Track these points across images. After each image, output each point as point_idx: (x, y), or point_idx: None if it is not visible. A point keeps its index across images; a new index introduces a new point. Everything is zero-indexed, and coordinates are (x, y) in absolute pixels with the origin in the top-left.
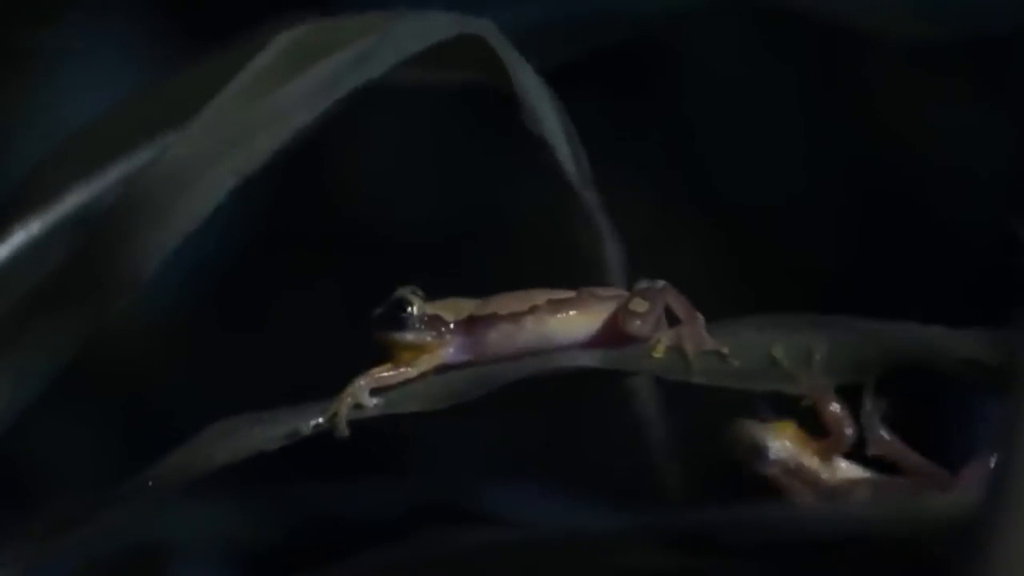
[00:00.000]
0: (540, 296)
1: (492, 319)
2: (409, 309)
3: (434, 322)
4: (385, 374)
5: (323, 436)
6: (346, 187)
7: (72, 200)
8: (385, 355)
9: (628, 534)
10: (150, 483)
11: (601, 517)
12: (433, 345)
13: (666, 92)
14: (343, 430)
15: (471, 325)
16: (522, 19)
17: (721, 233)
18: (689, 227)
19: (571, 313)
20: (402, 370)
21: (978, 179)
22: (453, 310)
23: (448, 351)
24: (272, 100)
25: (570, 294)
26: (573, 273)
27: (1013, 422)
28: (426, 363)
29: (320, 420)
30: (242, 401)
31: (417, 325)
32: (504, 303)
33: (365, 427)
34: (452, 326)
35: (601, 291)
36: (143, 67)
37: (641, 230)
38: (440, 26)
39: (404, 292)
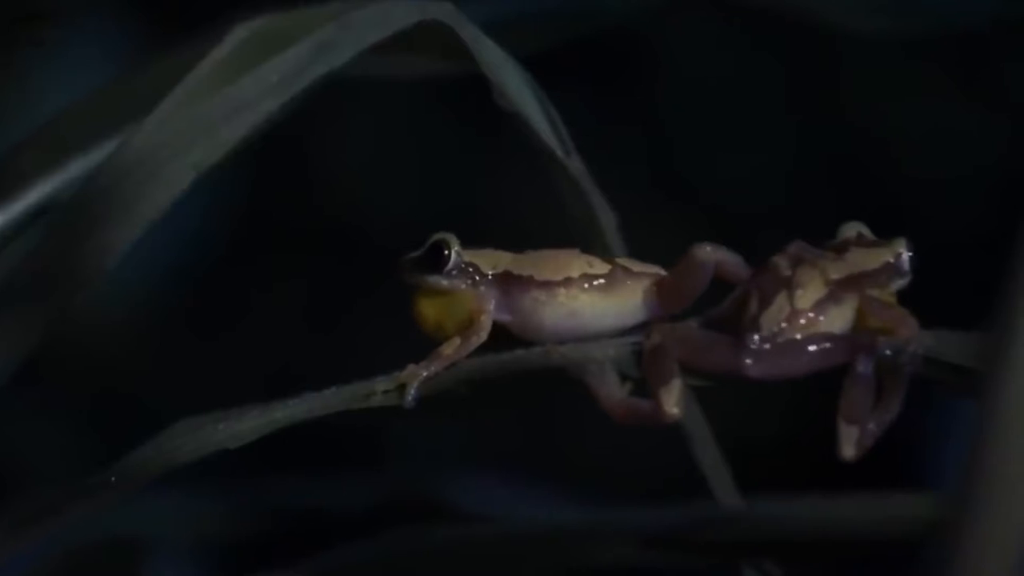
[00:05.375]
0: (576, 266)
1: (527, 283)
2: (447, 252)
3: (471, 270)
4: (449, 351)
5: (297, 431)
6: (324, 184)
7: (34, 194)
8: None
9: (599, 530)
10: (113, 479)
11: (574, 513)
12: (467, 295)
13: (643, 86)
14: (409, 403)
15: (506, 283)
16: (496, 9)
17: (697, 228)
18: (665, 222)
19: (603, 293)
20: (462, 342)
21: (957, 177)
22: (490, 261)
23: (487, 304)
24: (232, 92)
25: (605, 268)
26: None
27: (982, 423)
28: (471, 330)
29: (389, 388)
30: (215, 397)
31: (453, 271)
32: (540, 266)
33: (339, 422)
34: (490, 277)
35: (636, 267)
36: (122, 63)
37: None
38: (400, 13)
39: (442, 235)
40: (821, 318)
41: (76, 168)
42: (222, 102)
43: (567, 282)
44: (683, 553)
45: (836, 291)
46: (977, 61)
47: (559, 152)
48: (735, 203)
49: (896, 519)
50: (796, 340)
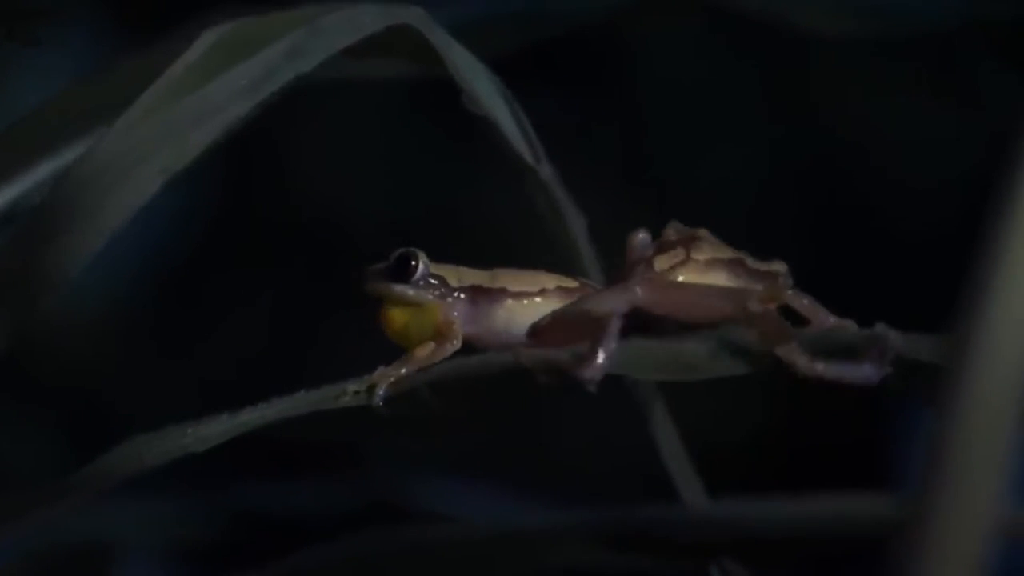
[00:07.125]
0: (548, 280)
1: (500, 294)
2: (413, 263)
3: (438, 282)
4: (422, 354)
5: (269, 436)
6: (296, 188)
7: (2, 198)
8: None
9: (565, 531)
10: (81, 482)
11: (542, 515)
12: (433, 308)
13: (616, 88)
14: (378, 402)
15: (477, 295)
16: (467, 11)
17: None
18: (639, 225)
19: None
20: (437, 347)
21: (930, 179)
22: (456, 275)
23: (453, 314)
24: (201, 96)
25: (574, 283)
26: (540, 254)
27: (941, 422)
28: (445, 337)
29: (359, 389)
30: (187, 402)
31: (421, 282)
32: (513, 280)
33: (311, 427)
34: (457, 291)
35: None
36: (108, 64)
37: (590, 225)
38: (369, 17)
39: (409, 248)
40: (711, 273)
41: (45, 170)
42: (192, 106)
43: (543, 293)
44: (650, 554)
45: (732, 264)
46: (948, 62)
47: (528, 157)
48: (708, 205)
49: (862, 519)
50: (684, 282)
